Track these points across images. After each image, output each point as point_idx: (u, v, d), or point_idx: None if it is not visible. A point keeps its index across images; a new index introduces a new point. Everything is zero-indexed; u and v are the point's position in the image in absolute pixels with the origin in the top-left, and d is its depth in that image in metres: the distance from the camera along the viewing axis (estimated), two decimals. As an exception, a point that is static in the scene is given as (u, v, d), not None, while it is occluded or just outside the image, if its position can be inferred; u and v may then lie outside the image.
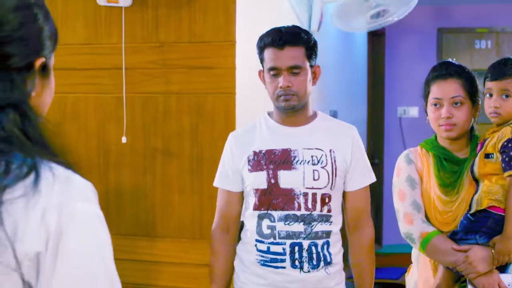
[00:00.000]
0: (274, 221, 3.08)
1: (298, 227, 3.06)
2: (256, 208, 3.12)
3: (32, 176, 1.29)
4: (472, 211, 3.00)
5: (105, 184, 4.10)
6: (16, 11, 1.39)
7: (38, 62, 1.43)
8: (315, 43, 3.14)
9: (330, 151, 3.11)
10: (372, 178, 3.25)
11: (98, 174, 4.11)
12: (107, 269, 1.36)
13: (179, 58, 3.96)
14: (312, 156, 3.09)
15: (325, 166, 3.09)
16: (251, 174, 3.13)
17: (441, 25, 8.82)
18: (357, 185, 3.19)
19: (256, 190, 3.11)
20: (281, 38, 3.05)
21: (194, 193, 3.95)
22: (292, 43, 3.05)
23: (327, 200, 3.10)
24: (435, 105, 3.15)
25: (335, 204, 3.13)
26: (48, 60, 1.47)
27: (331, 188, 3.10)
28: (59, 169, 1.37)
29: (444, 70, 3.18)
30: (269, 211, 3.09)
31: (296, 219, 3.07)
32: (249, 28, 3.99)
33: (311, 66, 3.12)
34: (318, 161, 3.09)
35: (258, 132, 3.20)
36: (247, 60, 3.93)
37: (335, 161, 3.11)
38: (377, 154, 8.62)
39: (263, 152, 3.12)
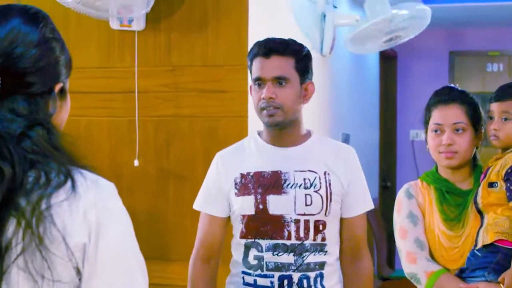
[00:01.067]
0: (261, 251, 2.80)
1: (288, 258, 2.78)
2: (243, 236, 2.85)
3: (69, 182, 1.56)
4: (479, 246, 2.84)
5: (118, 207, 4.09)
6: (37, 46, 1.65)
7: (57, 87, 1.70)
8: (307, 56, 2.89)
9: (325, 173, 2.83)
10: (370, 205, 2.98)
11: (111, 197, 4.10)
12: (137, 253, 1.67)
13: (191, 81, 3.97)
14: (304, 179, 2.81)
15: (319, 190, 2.81)
16: (237, 198, 2.85)
17: (453, 48, 8.83)
18: (354, 211, 2.92)
19: (243, 216, 2.84)
20: (267, 46, 2.83)
21: (207, 217, 3.94)
22: (279, 52, 2.81)
23: (321, 227, 2.81)
24: (436, 131, 3.00)
25: (331, 231, 2.85)
26: (65, 84, 1.74)
27: (325, 214, 2.81)
28: (87, 173, 1.64)
29: (446, 95, 3.04)
30: (257, 240, 2.81)
31: (286, 249, 2.78)
32: (261, 51, 4.00)
33: (302, 82, 2.85)
34: (311, 185, 2.81)
35: (247, 152, 2.94)
36: (259, 84, 3.94)
37: (330, 184, 2.82)
38: (389, 177, 8.60)
39: (251, 174, 2.85)
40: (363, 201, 2.95)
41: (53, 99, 1.68)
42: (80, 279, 1.57)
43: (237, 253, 2.91)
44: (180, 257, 4.00)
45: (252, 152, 2.92)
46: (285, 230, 2.78)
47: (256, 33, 3.94)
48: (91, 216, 1.57)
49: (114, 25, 3.94)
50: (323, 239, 2.82)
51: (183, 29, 3.98)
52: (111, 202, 1.65)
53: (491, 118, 2.99)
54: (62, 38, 1.78)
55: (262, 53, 2.81)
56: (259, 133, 2.99)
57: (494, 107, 2.98)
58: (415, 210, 3.02)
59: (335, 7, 5.35)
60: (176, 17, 3.99)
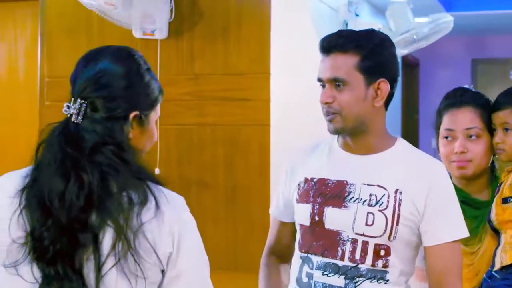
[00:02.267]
0: (312, 268, 2.45)
1: (338, 280, 2.40)
2: (300, 247, 2.51)
3: (153, 200, 1.83)
4: (497, 267, 2.53)
5: (140, 215, 4.11)
6: (122, 78, 1.92)
7: (132, 115, 1.92)
8: (379, 51, 2.41)
9: (396, 191, 2.38)
10: (461, 233, 2.41)
11: (133, 205, 4.12)
12: (204, 254, 1.98)
13: (214, 90, 3.97)
14: (370, 195, 2.39)
15: (385, 209, 2.37)
16: (297, 205, 2.52)
17: (476, 55, 8.80)
18: (435, 239, 2.38)
19: (301, 226, 2.50)
20: (327, 40, 2.41)
21: (229, 224, 3.95)
22: (338, 48, 2.38)
23: (382, 252, 2.37)
24: (447, 137, 2.71)
25: (398, 259, 2.39)
26: (144, 112, 1.96)
27: (389, 238, 2.36)
28: (162, 189, 1.90)
29: (458, 97, 2.75)
30: (309, 255, 2.46)
31: (337, 270, 2.40)
32: (283, 60, 4.00)
33: (371, 82, 2.38)
34: (377, 202, 2.38)
35: (318, 155, 2.55)
36: (281, 92, 3.94)
37: (399, 205, 2.36)
38: (411, 185, 8.55)
39: (315, 180, 2.48)
40: (448, 228, 2.40)
41: (127, 124, 1.92)
42: (163, 277, 1.87)
43: (294, 265, 2.55)
44: (202, 265, 4.00)
45: (323, 156, 2.54)
46: (339, 248, 2.41)
47: (278, 41, 3.94)
48: (174, 229, 1.86)
49: (137, 33, 3.95)
50: (385, 266, 2.38)
51: (205, 37, 3.99)
52: (186, 214, 1.93)
53: (495, 130, 2.68)
54: (150, 74, 1.99)
55: (322, 49, 2.43)
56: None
57: (494, 118, 2.68)
58: None
59: (357, 15, 5.34)
60: (199, 26, 4.00)
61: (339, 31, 2.45)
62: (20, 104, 5.18)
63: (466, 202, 2.68)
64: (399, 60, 7.10)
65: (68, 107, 1.89)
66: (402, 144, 2.49)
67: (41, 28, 4.37)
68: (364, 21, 5.52)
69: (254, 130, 3.90)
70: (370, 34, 2.44)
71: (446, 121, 2.74)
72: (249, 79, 3.90)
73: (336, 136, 2.51)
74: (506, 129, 2.65)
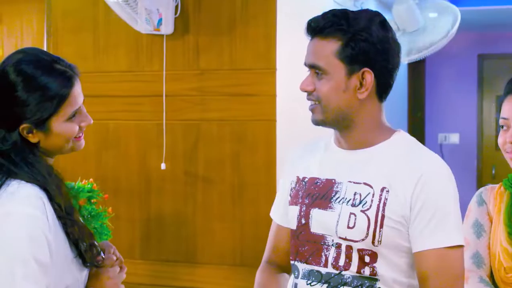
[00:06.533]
0: (297, 277, 2.23)
1: None
2: (291, 254, 2.28)
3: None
4: None
5: (146, 210, 4.11)
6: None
7: (21, 127, 2.04)
8: (367, 36, 2.11)
9: (383, 189, 2.11)
10: (450, 239, 2.07)
11: (139, 200, 4.13)
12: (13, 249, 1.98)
13: (219, 85, 3.98)
14: (355, 194, 2.13)
15: (367, 210, 2.10)
16: (289, 207, 2.30)
17: (482, 51, 8.77)
18: (425, 244, 2.08)
19: (291, 230, 2.28)
20: (310, 23, 2.17)
21: (235, 220, 3.95)
22: (319, 32, 2.14)
23: (368, 259, 2.11)
24: (502, 127, 2.40)
25: (387, 266, 2.12)
26: (35, 124, 2.04)
27: (373, 242, 2.09)
28: (20, 185, 2.00)
29: None
30: (295, 262, 2.24)
31: (320, 278, 2.17)
32: (289, 55, 4.00)
33: (352, 72, 2.12)
34: (360, 202, 2.12)
35: (314, 151, 2.32)
36: (287, 87, 3.94)
37: (384, 204, 2.09)
38: (417, 181, 8.55)
39: (306, 180, 2.26)
40: (436, 232, 2.08)
41: (15, 134, 2.05)
42: None
43: (291, 275, 2.33)
44: (207, 260, 4.00)
45: (317, 153, 2.30)
46: (323, 254, 2.16)
47: (284, 37, 3.93)
48: None
49: (143, 29, 3.95)
50: (373, 274, 2.11)
51: (211, 33, 3.99)
52: (4, 209, 1.98)
53: (502, 127, 2.42)
54: (29, 91, 2.04)
55: (306, 31, 2.19)
56: None
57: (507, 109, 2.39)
58: (482, 219, 2.45)
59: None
60: (205, 21, 4.00)
61: (325, 12, 2.17)
62: (26, 100, 5.18)
63: None
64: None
65: None
66: (400, 137, 2.22)
67: (47, 25, 4.37)
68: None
69: (260, 125, 3.89)
70: (358, 15, 2.14)
71: (503, 109, 2.42)
72: (255, 74, 3.90)
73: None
74: None
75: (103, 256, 2.23)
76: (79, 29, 4.25)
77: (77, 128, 2.12)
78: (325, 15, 2.14)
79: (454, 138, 8.36)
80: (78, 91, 2.11)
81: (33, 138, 2.07)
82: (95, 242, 2.21)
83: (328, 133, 2.30)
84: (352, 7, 5.04)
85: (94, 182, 3.54)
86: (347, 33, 2.10)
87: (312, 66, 2.14)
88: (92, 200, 3.47)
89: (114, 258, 2.25)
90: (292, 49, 4.05)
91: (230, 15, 3.95)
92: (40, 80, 2.04)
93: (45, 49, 4.37)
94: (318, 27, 2.13)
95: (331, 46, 2.11)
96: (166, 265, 4.06)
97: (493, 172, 7.97)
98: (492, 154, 8.21)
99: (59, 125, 2.07)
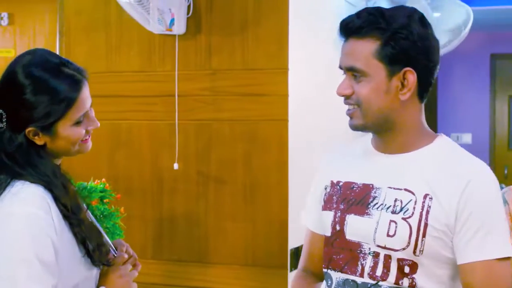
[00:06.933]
0: (331, 286, 2.14)
1: None
2: (323, 261, 2.20)
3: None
4: None
5: (158, 210, 4.12)
6: (6, 98, 2.09)
7: (27, 130, 2.06)
8: (407, 34, 2.01)
9: (426, 196, 2.00)
10: (504, 251, 1.98)
11: (152, 200, 4.13)
12: (14, 252, 2.00)
13: (232, 85, 3.97)
14: (395, 200, 2.03)
15: (409, 217, 2.00)
16: (322, 213, 2.21)
17: (494, 50, 8.76)
18: (471, 256, 1.97)
19: (325, 236, 2.19)
20: (344, 23, 2.08)
21: (247, 220, 3.95)
22: (356, 32, 2.04)
23: (407, 269, 2.00)
24: None
25: (428, 278, 2.02)
26: (41, 126, 2.06)
27: (414, 252, 1.99)
28: (23, 186, 2.02)
29: None
30: (329, 271, 2.15)
31: None
32: (301, 55, 4.00)
33: (394, 72, 2.03)
34: (401, 209, 2.01)
35: (350, 155, 2.24)
36: (299, 87, 3.94)
37: (427, 212, 1.99)
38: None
39: (340, 184, 2.17)
40: (487, 243, 1.98)
41: (21, 136, 2.07)
42: None
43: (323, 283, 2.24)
44: (219, 260, 4.01)
45: (353, 156, 2.22)
46: (359, 263, 2.06)
47: (296, 36, 3.93)
48: None
49: (155, 29, 3.95)
50: (412, 285, 2.02)
51: (223, 33, 3.99)
52: (7, 210, 2.00)
53: None
54: (37, 92, 2.05)
55: (340, 33, 2.09)
56: None
57: None
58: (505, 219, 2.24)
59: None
60: (217, 21, 4.00)
61: (359, 11, 2.09)
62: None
63: None
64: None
65: None
66: (443, 142, 2.13)
67: (59, 25, 4.38)
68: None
69: (272, 125, 3.89)
70: (395, 13, 2.05)
71: None
72: (267, 74, 3.90)
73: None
74: None
75: (115, 254, 2.24)
76: (92, 29, 4.25)
77: (83, 132, 2.13)
78: (359, 14, 2.06)
79: (467, 138, 8.33)
80: (86, 95, 2.10)
81: (39, 141, 2.08)
82: (106, 241, 2.22)
83: (349, 135, 2.27)
84: (364, 7, 5.02)
85: (107, 182, 3.54)
86: (386, 31, 2.01)
87: (349, 69, 2.05)
88: (105, 200, 3.47)
89: (126, 256, 2.26)
90: (304, 49, 4.06)
91: (242, 15, 3.95)
92: (48, 84, 2.04)
93: (57, 49, 4.39)
94: (354, 27, 2.04)
95: (369, 46, 2.02)
96: (178, 265, 4.06)
97: (506, 172, 7.95)
98: (504, 154, 8.18)
99: (65, 129, 2.08)
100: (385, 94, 2.03)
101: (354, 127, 2.10)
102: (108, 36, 4.19)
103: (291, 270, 3.84)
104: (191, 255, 4.07)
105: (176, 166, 4.02)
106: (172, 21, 3.91)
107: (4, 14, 5.44)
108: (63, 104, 2.04)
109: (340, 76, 2.11)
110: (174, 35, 4.03)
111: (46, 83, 2.04)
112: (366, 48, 2.01)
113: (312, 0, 4.30)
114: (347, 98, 2.07)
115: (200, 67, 4.05)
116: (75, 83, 2.07)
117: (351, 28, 2.04)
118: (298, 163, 3.91)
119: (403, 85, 2.04)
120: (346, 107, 2.11)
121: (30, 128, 2.06)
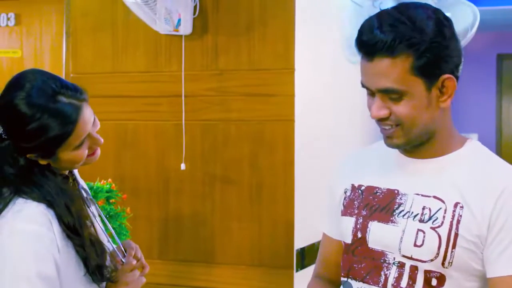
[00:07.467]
0: None
1: None
2: (342, 269, 2.10)
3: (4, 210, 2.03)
4: None
5: (164, 210, 4.12)
6: (7, 125, 2.11)
7: (28, 156, 2.07)
8: (441, 40, 1.85)
9: (456, 205, 1.88)
10: None
11: (158, 200, 4.13)
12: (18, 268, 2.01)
13: (238, 85, 3.97)
14: (424, 208, 1.91)
15: (438, 227, 1.88)
16: (341, 218, 2.10)
17: (501, 50, 8.74)
18: (504, 269, 1.84)
19: (344, 243, 2.09)
20: (366, 41, 1.86)
21: (253, 221, 3.95)
22: (386, 51, 1.83)
23: (435, 282, 1.89)
24: None
25: None
26: (41, 154, 2.08)
27: (443, 264, 1.87)
28: (25, 204, 2.03)
29: None
30: (349, 280, 2.04)
31: None
32: (308, 55, 3.99)
33: (433, 83, 1.88)
34: (430, 218, 1.89)
35: (372, 158, 2.13)
36: (306, 88, 3.94)
37: (458, 222, 1.86)
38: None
39: (362, 188, 2.06)
40: None
41: (22, 159, 2.08)
42: None
43: None
44: (225, 261, 4.00)
45: (376, 159, 2.10)
46: (382, 274, 1.95)
47: (302, 37, 3.93)
48: None
49: (162, 29, 3.95)
50: None
51: (230, 33, 3.98)
52: (8, 227, 2.00)
53: None
54: (37, 121, 2.04)
55: (363, 52, 1.89)
56: None
57: None
58: None
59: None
60: (223, 21, 4.00)
61: (379, 25, 1.85)
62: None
63: None
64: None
65: None
66: (474, 146, 2.02)
67: (66, 25, 4.39)
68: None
69: (279, 125, 3.89)
70: (419, 17, 1.85)
71: None
72: (273, 75, 3.90)
73: None
74: None
75: (123, 260, 2.23)
76: (98, 30, 4.26)
77: (85, 152, 2.13)
78: (381, 27, 1.85)
79: (473, 138, 8.31)
80: (85, 119, 2.07)
81: (42, 162, 2.10)
82: (111, 250, 2.21)
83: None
84: (370, 7, 5.03)
85: (113, 182, 3.55)
86: (420, 45, 1.83)
87: (384, 91, 1.87)
88: (111, 200, 3.48)
89: (134, 262, 2.25)
90: (311, 49, 4.05)
91: (248, 15, 3.95)
92: (43, 120, 2.02)
93: (64, 49, 4.39)
94: (384, 46, 1.82)
95: (403, 64, 1.83)
96: (184, 265, 4.06)
97: (512, 172, 7.94)
98: (511, 155, 8.18)
99: (67, 154, 2.10)
100: (427, 108, 1.91)
101: (396, 146, 1.97)
102: (115, 36, 4.20)
103: (297, 271, 3.84)
104: (197, 255, 4.07)
105: (183, 166, 4.02)
106: (179, 21, 3.91)
107: (11, 15, 5.44)
108: (59, 138, 2.05)
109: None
110: (181, 36, 4.03)
111: (40, 119, 2.02)
112: (401, 66, 1.84)
113: (318, 1, 4.30)
114: (385, 119, 1.92)
115: (206, 68, 4.05)
116: (72, 111, 2.04)
117: (380, 47, 1.83)
118: (304, 163, 3.91)
119: (441, 92, 1.92)
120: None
121: (31, 154, 2.08)
